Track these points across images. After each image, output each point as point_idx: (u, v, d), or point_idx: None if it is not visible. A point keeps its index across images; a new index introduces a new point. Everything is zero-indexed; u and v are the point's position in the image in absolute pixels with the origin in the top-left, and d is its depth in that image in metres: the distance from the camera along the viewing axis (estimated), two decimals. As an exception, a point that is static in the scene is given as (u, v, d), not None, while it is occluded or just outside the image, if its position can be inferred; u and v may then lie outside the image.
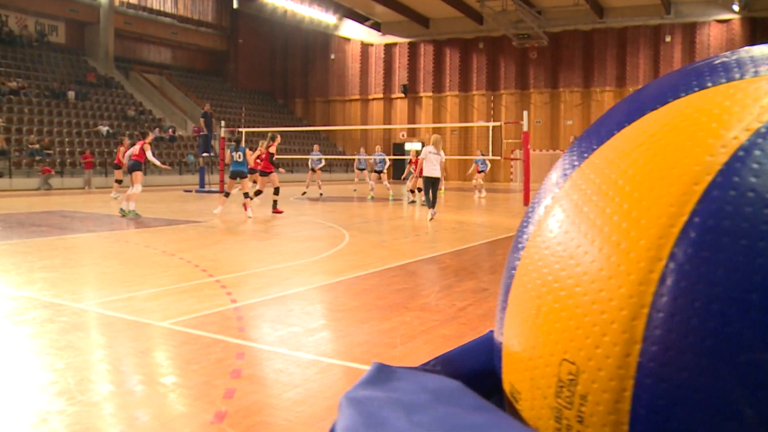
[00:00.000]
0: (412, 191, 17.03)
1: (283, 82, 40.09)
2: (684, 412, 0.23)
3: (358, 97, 37.19)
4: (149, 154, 13.13)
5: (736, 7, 27.43)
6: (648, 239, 0.25)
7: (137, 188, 12.65)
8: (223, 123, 20.99)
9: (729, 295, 0.23)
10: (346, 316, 5.05)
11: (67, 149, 24.21)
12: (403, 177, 19.72)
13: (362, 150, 22.63)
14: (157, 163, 14.06)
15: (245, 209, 12.51)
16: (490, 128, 19.20)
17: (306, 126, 34.74)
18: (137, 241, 9.07)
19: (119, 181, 17.44)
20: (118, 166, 17.26)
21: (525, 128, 16.92)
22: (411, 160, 17.58)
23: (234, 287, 5.97)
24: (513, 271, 0.32)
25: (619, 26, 30.38)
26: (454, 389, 0.29)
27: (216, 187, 20.46)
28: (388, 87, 36.35)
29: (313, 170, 20.18)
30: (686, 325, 0.24)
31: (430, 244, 9.46)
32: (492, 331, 0.36)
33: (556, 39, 31.35)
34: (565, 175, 0.31)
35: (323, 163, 20.96)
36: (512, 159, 27.06)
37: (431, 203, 12.16)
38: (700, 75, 0.29)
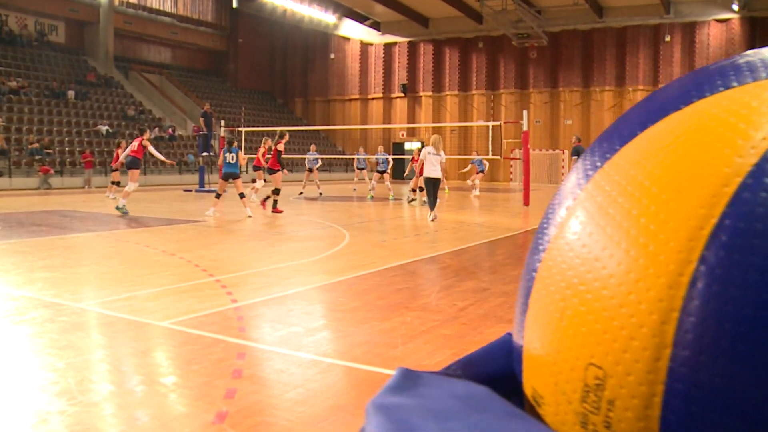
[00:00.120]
0: (414, 190, 17.03)
1: (283, 81, 40.08)
2: (717, 419, 0.23)
3: (357, 96, 37.17)
4: (152, 149, 13.17)
5: (735, 7, 27.43)
6: (677, 241, 0.25)
7: (131, 186, 12.68)
8: (222, 122, 20.99)
9: (762, 298, 0.22)
10: (347, 316, 5.05)
11: (66, 149, 24.20)
12: (405, 174, 19.71)
13: (361, 150, 22.63)
14: (161, 157, 14.08)
15: (263, 207, 12.75)
16: (490, 128, 19.20)
17: (306, 126, 34.72)
18: (137, 240, 9.07)
19: (117, 183, 17.40)
20: (115, 169, 17.21)
21: (525, 128, 16.93)
22: (413, 157, 17.59)
23: (234, 287, 5.97)
24: (534, 274, 0.31)
25: (618, 26, 30.37)
26: (483, 395, 0.29)
27: (216, 187, 20.46)
28: (387, 86, 36.34)
29: (310, 170, 20.21)
30: (719, 329, 0.23)
31: (430, 243, 9.45)
32: (509, 334, 0.36)
33: (556, 38, 31.34)
34: (587, 176, 0.30)
35: (320, 163, 21.00)
36: (512, 159, 27.07)
37: (433, 205, 12.15)
38: (725, 74, 0.28)
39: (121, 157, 14.06)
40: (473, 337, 4.44)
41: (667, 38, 29.61)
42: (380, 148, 20.86)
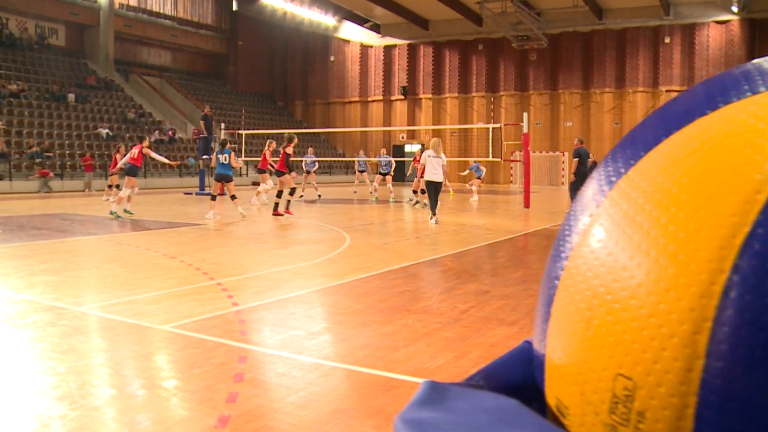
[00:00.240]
0: (415, 192, 17.03)
1: (283, 84, 40.12)
2: (753, 431, 0.23)
3: (357, 99, 37.21)
4: (154, 154, 13.22)
5: (735, 8, 27.46)
6: (708, 250, 0.24)
7: (125, 192, 12.70)
8: (223, 125, 21.01)
9: None
10: (348, 319, 5.04)
11: (67, 152, 24.21)
12: (408, 174, 19.69)
13: (361, 152, 22.64)
14: (164, 160, 14.12)
15: (290, 213, 13.01)
16: (490, 130, 19.23)
17: (306, 128, 34.75)
18: (138, 243, 9.07)
19: (117, 186, 17.38)
20: (113, 173, 17.19)
21: (525, 130, 16.94)
22: (415, 158, 17.59)
23: (235, 290, 5.96)
24: (556, 282, 0.31)
25: (618, 27, 30.41)
26: (512, 408, 0.28)
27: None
28: (387, 89, 36.37)
29: (308, 173, 20.23)
30: (754, 339, 0.23)
31: (431, 246, 9.45)
32: (528, 341, 0.35)
33: (556, 40, 31.38)
34: (611, 182, 0.30)
35: (317, 165, 21.04)
36: (512, 161, 27.07)
37: (434, 208, 12.15)
38: (751, 79, 0.28)
39: (120, 164, 14.05)
40: (475, 339, 4.43)
41: (667, 40, 29.64)
42: (383, 150, 20.88)
